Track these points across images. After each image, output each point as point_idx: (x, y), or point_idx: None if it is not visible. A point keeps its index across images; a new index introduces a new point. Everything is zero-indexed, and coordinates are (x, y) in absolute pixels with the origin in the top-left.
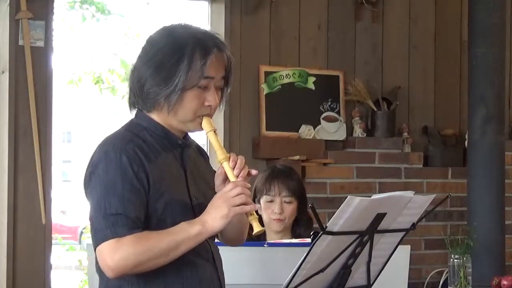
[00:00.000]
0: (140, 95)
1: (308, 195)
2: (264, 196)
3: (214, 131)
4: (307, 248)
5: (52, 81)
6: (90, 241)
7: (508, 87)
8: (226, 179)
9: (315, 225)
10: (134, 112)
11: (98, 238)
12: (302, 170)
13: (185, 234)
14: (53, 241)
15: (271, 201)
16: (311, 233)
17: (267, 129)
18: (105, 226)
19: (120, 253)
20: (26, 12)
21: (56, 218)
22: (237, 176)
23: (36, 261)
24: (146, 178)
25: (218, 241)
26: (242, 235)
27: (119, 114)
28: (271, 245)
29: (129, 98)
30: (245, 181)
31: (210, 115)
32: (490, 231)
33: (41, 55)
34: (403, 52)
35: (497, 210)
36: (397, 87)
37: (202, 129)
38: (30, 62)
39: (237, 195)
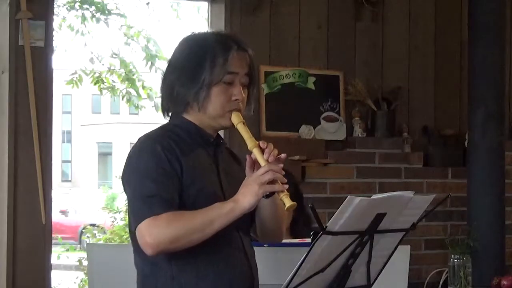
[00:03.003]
0: (170, 99)
1: (308, 195)
2: None
3: (243, 123)
4: (307, 248)
5: (52, 81)
6: (90, 241)
7: (508, 87)
8: (254, 166)
9: (315, 225)
10: (168, 117)
11: (137, 218)
12: (302, 170)
13: (218, 211)
14: (53, 241)
15: None
16: (311, 233)
17: (267, 129)
18: (142, 207)
19: (157, 229)
20: (26, 12)
21: (56, 218)
22: (267, 160)
23: (36, 261)
24: (179, 165)
25: (255, 241)
26: (278, 229)
27: (120, 114)
28: (271, 245)
29: (162, 105)
30: (274, 162)
31: (239, 110)
32: (490, 231)
33: (41, 55)
34: (403, 52)
35: (497, 210)
36: (397, 87)
37: (232, 124)
38: (30, 62)
39: (266, 172)
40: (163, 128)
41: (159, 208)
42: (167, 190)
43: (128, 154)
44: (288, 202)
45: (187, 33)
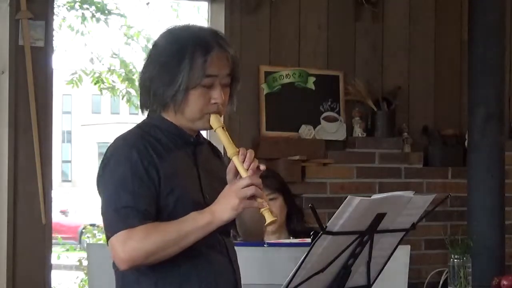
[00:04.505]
0: (148, 96)
1: (308, 195)
2: None
3: (223, 127)
4: (307, 248)
5: (52, 81)
6: (90, 241)
7: (508, 87)
8: (237, 173)
9: (311, 223)
10: (146, 113)
11: (110, 231)
12: (302, 170)
13: (194, 223)
14: (53, 241)
15: None
16: (311, 233)
17: (267, 129)
18: (116, 219)
19: (130, 243)
20: (26, 12)
21: (56, 218)
22: (247, 170)
23: (36, 261)
24: (157, 174)
25: (238, 241)
26: (261, 228)
27: (120, 114)
28: (271, 245)
29: (140, 100)
30: (255, 174)
31: (218, 112)
32: (490, 231)
33: (41, 55)
34: (403, 52)
35: (497, 210)
36: (397, 87)
37: (211, 127)
38: (30, 62)
39: (247, 186)
40: (141, 128)
41: (134, 220)
42: (143, 201)
43: (104, 157)
44: (269, 218)
45: (172, 24)
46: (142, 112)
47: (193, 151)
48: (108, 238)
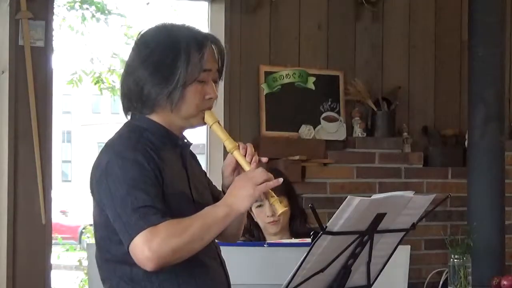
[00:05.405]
0: (138, 98)
1: (308, 195)
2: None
3: (218, 122)
4: (307, 248)
5: (52, 81)
6: (90, 241)
7: (508, 87)
8: (235, 168)
9: (314, 224)
10: (129, 116)
11: (132, 232)
12: (302, 170)
13: (213, 216)
14: (53, 241)
15: (260, 206)
16: (311, 233)
17: (267, 129)
18: (136, 219)
19: (157, 240)
20: (26, 12)
21: (56, 218)
22: (250, 163)
23: (36, 261)
24: (161, 176)
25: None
26: (240, 230)
27: (120, 114)
28: (271, 245)
29: (123, 103)
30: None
31: (210, 108)
32: (490, 231)
33: (41, 55)
34: (403, 52)
35: (497, 210)
36: (397, 87)
37: (205, 123)
38: (30, 62)
39: (260, 174)
40: (133, 131)
41: (155, 218)
42: (158, 200)
43: (102, 162)
44: (280, 208)
45: (154, 24)
46: (126, 116)
47: (181, 153)
48: (130, 239)
